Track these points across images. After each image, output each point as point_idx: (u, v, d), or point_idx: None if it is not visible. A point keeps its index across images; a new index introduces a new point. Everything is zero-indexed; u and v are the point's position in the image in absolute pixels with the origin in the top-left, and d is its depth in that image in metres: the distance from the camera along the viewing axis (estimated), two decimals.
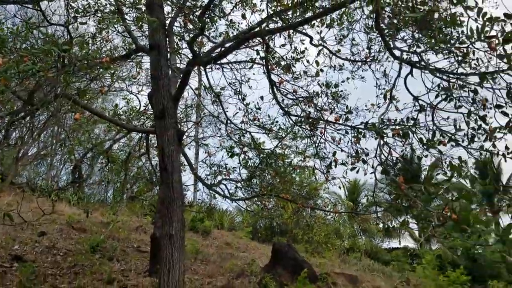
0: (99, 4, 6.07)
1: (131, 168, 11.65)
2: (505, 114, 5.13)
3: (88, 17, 6.11)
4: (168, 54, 7.43)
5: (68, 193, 14.60)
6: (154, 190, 13.04)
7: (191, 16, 6.86)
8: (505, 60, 4.78)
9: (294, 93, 8.10)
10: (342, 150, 7.41)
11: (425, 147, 5.67)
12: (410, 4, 5.01)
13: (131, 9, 6.64)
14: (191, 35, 7.98)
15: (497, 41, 4.37)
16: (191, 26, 8.41)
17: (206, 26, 6.87)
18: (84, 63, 4.84)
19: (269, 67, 7.77)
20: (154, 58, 5.89)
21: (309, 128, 8.10)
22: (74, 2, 5.40)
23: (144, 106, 10.36)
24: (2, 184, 12.48)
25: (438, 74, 5.24)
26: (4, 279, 7.20)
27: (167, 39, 7.43)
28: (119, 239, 11.38)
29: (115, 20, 4.90)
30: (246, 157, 9.48)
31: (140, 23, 5.42)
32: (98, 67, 5.53)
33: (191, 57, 6.84)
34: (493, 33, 4.66)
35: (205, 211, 16.93)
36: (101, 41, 8.63)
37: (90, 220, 12.49)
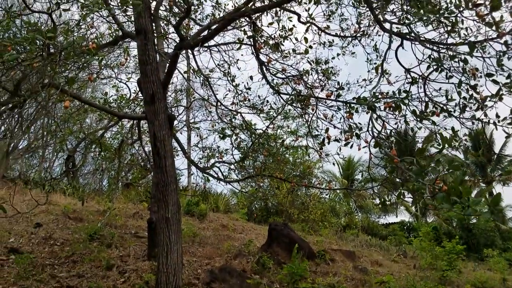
0: None
1: (124, 155, 11.59)
2: (495, 82, 5.14)
3: (71, 3, 5.96)
4: (155, 39, 7.33)
5: (63, 183, 14.55)
6: (148, 177, 13.01)
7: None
8: (493, 28, 4.78)
9: (284, 72, 8.04)
10: (334, 127, 7.42)
11: (418, 119, 5.69)
12: None
13: None
14: (177, 19, 7.86)
15: (484, 9, 4.35)
16: (177, 10, 8.29)
17: (192, 8, 6.75)
18: (70, 50, 4.74)
19: (257, 46, 7.70)
20: (141, 43, 5.79)
21: (300, 107, 8.07)
22: None
23: (134, 93, 10.23)
24: None
25: (428, 45, 5.22)
26: (1, 271, 7.21)
27: (153, 23, 7.31)
28: (116, 226, 11.42)
29: (98, 5, 4.78)
30: (238, 138, 9.47)
31: (125, 7, 5.29)
32: (84, 55, 5.43)
33: (178, 41, 6.74)
34: (480, 1, 4.64)
35: (200, 194, 16.96)
36: (86, 28, 8.47)
37: (87, 209, 12.50)
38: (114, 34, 9.21)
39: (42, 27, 7.23)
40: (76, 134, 12.19)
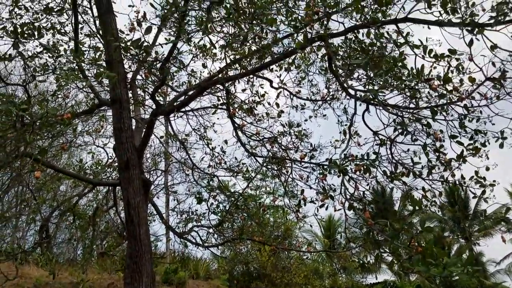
0: (58, 62, 6.09)
1: (99, 223, 11.29)
2: (459, 143, 5.39)
3: (47, 76, 6.11)
4: (132, 106, 7.49)
5: (35, 254, 13.93)
6: (124, 244, 12.61)
7: (152, 70, 6.98)
8: (447, 97, 5.11)
9: (258, 135, 8.24)
10: (310, 188, 7.51)
11: (389, 179, 5.84)
12: (358, 47, 5.30)
13: (91, 65, 6.71)
14: (154, 86, 8.08)
15: (437, 82, 4.67)
16: (153, 78, 8.55)
17: (167, 77, 6.99)
18: (44, 121, 4.80)
19: (231, 112, 7.92)
20: (116, 112, 5.90)
21: (276, 168, 8.19)
22: (31, 62, 5.41)
23: (110, 158, 10.21)
24: None
25: (392, 110, 5.49)
26: None
27: (130, 91, 7.50)
28: None
29: (73, 77, 4.92)
30: (216, 201, 9.43)
31: (100, 78, 5.46)
32: (59, 124, 5.48)
33: (154, 107, 6.90)
34: (431, 76, 5.00)
35: (179, 261, 16.41)
36: (62, 97, 8.61)
37: (59, 282, 11.91)
38: (91, 102, 9.36)
39: (19, 98, 7.35)
40: (50, 203, 11.91)
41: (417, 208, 4.42)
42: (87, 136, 11.19)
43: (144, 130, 7.34)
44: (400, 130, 5.60)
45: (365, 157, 5.37)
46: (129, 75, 7.50)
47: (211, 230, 9.64)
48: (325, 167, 6.43)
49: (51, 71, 5.35)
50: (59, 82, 5.00)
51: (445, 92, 4.67)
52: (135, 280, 5.30)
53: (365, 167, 5.26)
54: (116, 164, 10.08)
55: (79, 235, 11.15)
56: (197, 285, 15.14)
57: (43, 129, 5.34)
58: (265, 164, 8.31)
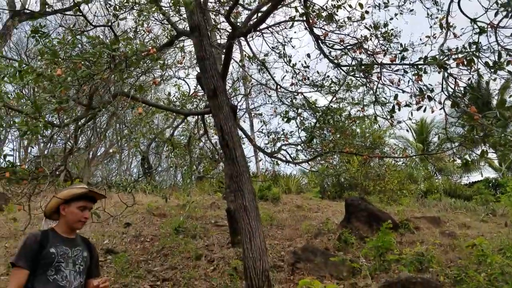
0: None
1: (193, 150, 12.00)
2: None
3: (127, 13, 6.21)
4: (208, 32, 7.43)
5: (142, 183, 15.38)
6: (218, 167, 13.37)
7: None
8: None
9: (341, 43, 7.77)
10: (403, 92, 7.10)
11: (492, 70, 5.27)
12: None
13: None
14: (226, 8, 7.89)
15: None
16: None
17: None
18: (134, 58, 4.95)
19: (311, 22, 7.49)
20: (197, 40, 5.89)
21: (363, 76, 7.78)
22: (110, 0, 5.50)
23: (193, 88, 10.52)
24: None
25: None
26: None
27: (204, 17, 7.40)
28: (197, 218, 11.92)
29: (153, 10, 4.92)
30: (302, 118, 9.39)
31: (177, 7, 5.40)
32: (147, 60, 5.64)
33: (230, 31, 6.76)
34: None
35: (270, 179, 17.12)
36: (143, 33, 8.79)
37: (168, 205, 13.13)
38: (169, 34, 9.47)
39: (106, 40, 7.62)
40: (147, 136, 12.80)
41: None
42: (168, 69, 11.54)
43: (223, 55, 7.32)
44: (504, 13, 4.90)
45: (467, 48, 4.85)
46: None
47: (299, 147, 9.76)
48: (419, 66, 5.98)
49: (130, 7, 5.41)
50: (142, 17, 5.04)
51: None
52: (238, 197, 5.61)
53: (467, 58, 4.77)
54: (200, 93, 10.38)
55: (177, 163, 11.99)
56: (291, 198, 15.79)
57: (133, 66, 5.55)
58: (351, 74, 7.92)
